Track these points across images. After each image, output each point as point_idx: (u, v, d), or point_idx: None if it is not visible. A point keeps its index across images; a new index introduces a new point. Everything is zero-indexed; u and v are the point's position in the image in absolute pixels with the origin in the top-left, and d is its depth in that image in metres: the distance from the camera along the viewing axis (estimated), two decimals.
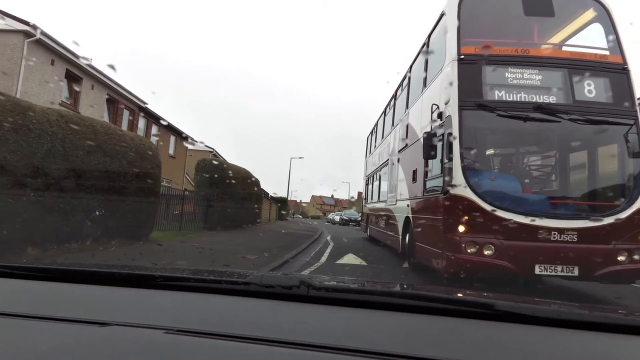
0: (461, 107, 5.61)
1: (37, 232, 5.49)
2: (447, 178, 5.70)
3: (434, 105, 6.18)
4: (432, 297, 1.19)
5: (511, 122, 5.54)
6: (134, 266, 1.82)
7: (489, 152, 6.90)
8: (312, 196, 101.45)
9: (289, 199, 43.81)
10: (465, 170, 5.45)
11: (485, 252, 5.20)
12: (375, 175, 14.05)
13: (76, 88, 14.54)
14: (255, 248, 9.23)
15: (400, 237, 8.68)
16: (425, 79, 7.57)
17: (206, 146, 28.11)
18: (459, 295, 1.27)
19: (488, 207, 5.22)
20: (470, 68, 5.83)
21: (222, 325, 0.93)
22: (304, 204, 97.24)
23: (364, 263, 8.42)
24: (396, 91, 11.18)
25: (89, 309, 1.03)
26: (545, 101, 5.60)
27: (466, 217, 5.38)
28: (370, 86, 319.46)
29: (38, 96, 12.00)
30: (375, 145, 14.73)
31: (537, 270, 5.17)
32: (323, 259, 9.03)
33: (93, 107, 15.00)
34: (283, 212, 36.32)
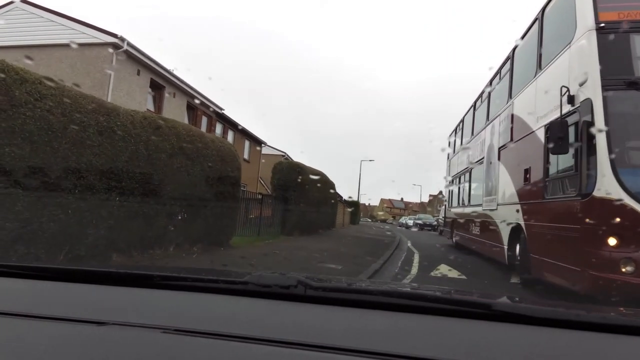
0: (605, 87, 4.49)
1: (122, 238, 5.29)
2: (586, 177, 4.56)
3: (563, 88, 5.03)
4: (429, 297, 1.17)
5: None
6: (131, 265, 1.57)
7: None
8: (381, 199, 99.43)
9: (359, 202, 42.92)
10: (616, 166, 4.29)
11: None
12: (463, 177, 12.76)
13: (159, 96, 15.11)
14: (338, 256, 8.56)
15: (506, 247, 7.48)
16: (540, 60, 6.38)
17: (277, 150, 28.38)
18: (457, 295, 1.29)
19: None
20: (613, 38, 4.68)
21: (219, 325, 0.91)
22: (372, 207, 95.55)
23: (462, 277, 7.35)
24: (491, 81, 9.92)
25: (86, 308, 1.01)
26: None
27: (618, 227, 4.23)
28: (439, 85, 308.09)
29: (126, 106, 12.49)
30: (461, 144, 13.45)
31: None
32: (413, 270, 8.11)
33: (174, 114, 15.47)
34: (355, 216, 35.52)
